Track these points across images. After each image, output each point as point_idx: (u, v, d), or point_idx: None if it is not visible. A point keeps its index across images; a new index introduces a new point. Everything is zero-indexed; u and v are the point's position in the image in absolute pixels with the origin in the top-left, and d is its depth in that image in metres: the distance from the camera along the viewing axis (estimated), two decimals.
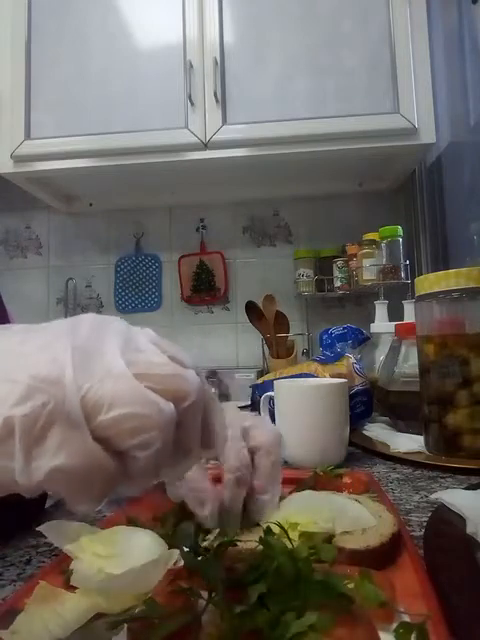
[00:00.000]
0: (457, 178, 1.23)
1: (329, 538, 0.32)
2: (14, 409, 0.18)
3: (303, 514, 0.34)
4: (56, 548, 0.34)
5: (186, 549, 0.30)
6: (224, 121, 1.23)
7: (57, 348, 0.19)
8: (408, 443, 0.66)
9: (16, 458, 0.18)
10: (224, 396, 1.40)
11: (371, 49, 1.21)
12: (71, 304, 1.65)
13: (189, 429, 0.21)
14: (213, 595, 0.24)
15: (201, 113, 1.23)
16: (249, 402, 0.85)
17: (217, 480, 0.48)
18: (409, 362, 0.77)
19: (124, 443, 0.19)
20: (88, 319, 0.22)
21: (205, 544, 0.31)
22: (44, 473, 0.18)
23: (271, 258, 1.62)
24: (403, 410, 0.76)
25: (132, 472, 0.20)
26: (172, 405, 0.19)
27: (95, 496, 0.19)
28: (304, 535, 0.31)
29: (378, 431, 0.76)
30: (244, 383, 1.30)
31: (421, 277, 0.65)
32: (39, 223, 1.71)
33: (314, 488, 0.42)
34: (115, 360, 0.19)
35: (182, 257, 1.63)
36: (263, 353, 1.41)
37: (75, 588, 0.27)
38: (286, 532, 0.28)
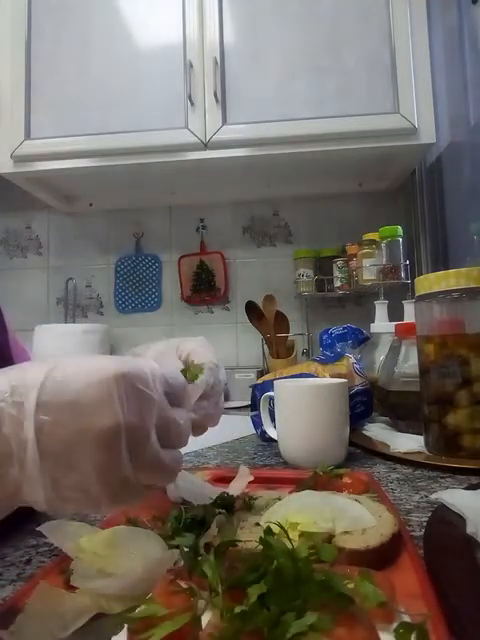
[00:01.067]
0: (457, 178, 1.23)
1: (329, 538, 0.32)
2: None
3: (303, 514, 0.34)
4: (56, 548, 0.34)
5: (186, 549, 0.31)
6: (224, 121, 1.23)
7: None
8: (408, 443, 0.66)
9: None
10: (224, 396, 1.39)
11: (371, 49, 1.21)
12: (71, 304, 1.64)
13: None
14: (213, 595, 0.24)
15: (201, 113, 1.23)
16: (249, 402, 0.85)
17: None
18: (409, 362, 0.77)
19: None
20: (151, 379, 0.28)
21: (205, 540, 0.31)
22: None
23: (271, 258, 1.62)
24: (403, 410, 0.76)
25: None
26: (181, 455, 0.30)
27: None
28: (304, 535, 0.31)
29: (378, 431, 0.76)
30: (244, 383, 1.30)
31: (421, 277, 0.65)
32: (39, 223, 1.71)
33: (314, 488, 0.42)
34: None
35: (182, 257, 1.63)
36: (263, 353, 1.41)
37: (75, 588, 0.27)
38: (286, 532, 0.28)
